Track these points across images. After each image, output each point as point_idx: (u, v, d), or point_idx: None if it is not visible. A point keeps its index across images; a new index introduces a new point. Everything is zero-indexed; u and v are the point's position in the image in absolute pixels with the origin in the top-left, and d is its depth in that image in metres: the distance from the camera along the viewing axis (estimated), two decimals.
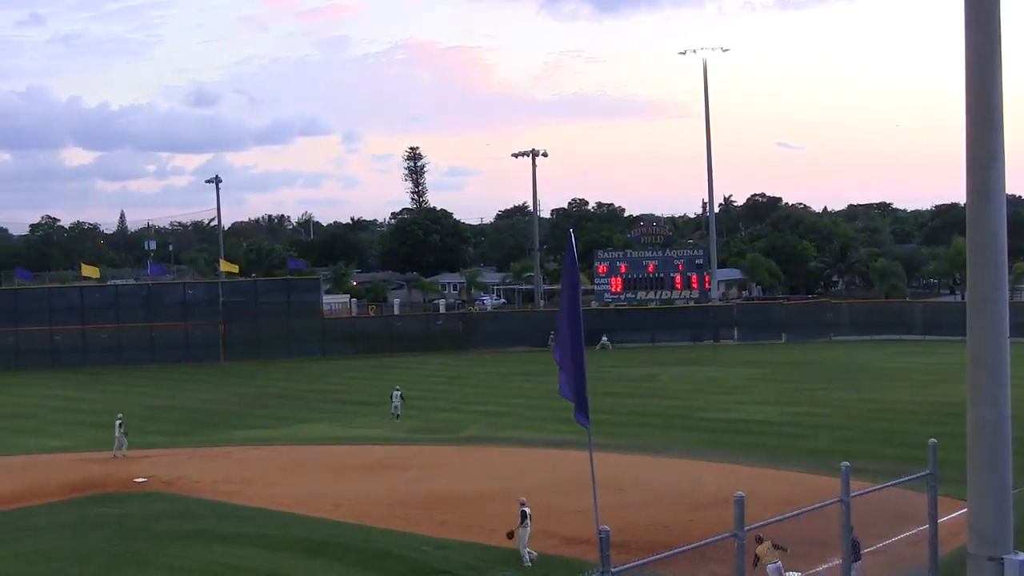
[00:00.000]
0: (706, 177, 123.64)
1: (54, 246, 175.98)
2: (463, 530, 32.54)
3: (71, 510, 40.97)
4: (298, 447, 53.99)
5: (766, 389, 70.11)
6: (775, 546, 26.28)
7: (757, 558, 27.13)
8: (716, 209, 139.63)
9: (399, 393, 62.92)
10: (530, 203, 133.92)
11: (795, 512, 16.09)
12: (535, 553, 30.45)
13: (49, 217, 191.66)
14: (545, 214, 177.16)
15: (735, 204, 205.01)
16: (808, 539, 22.75)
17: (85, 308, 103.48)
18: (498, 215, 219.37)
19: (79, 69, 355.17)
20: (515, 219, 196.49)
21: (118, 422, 52.60)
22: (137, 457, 50.59)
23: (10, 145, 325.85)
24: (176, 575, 31.21)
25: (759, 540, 28.79)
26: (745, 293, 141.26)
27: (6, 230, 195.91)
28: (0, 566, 32.51)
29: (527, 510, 30.81)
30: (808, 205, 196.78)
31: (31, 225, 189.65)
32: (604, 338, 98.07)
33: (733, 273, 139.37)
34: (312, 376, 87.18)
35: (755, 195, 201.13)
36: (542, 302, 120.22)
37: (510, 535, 30.71)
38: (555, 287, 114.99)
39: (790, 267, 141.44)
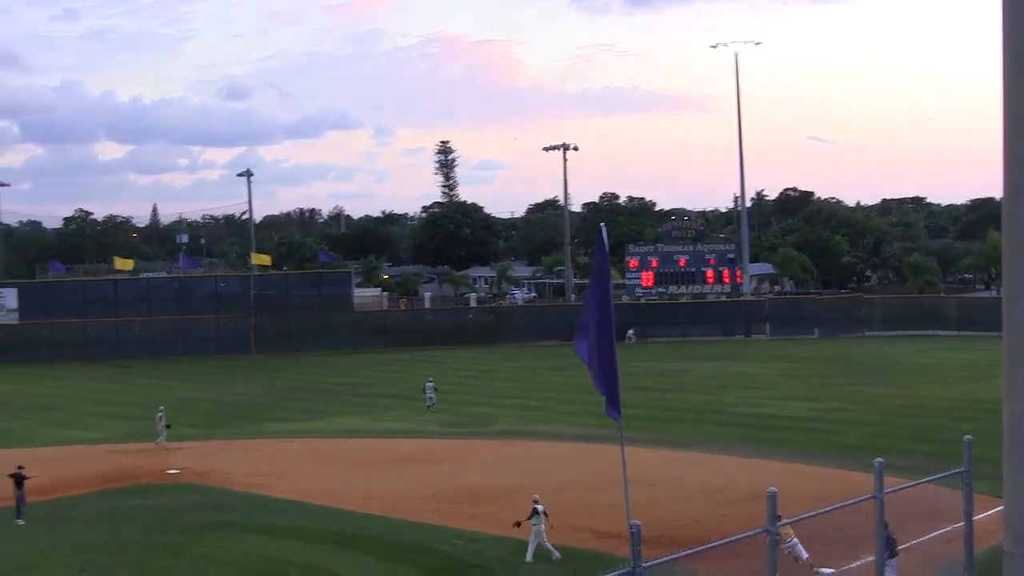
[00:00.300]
0: (738, 171, 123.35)
1: (87, 239, 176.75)
2: (494, 524, 32.56)
3: (103, 501, 41.20)
4: (329, 440, 54.14)
5: (798, 384, 69.85)
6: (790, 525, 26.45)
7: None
8: (748, 203, 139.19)
9: (432, 385, 63.10)
10: (561, 197, 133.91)
11: (828, 508, 16.01)
12: (557, 554, 30.37)
13: (82, 210, 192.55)
14: (576, 208, 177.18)
15: (767, 199, 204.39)
16: (842, 536, 22.65)
17: (118, 301, 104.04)
18: (529, 209, 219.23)
19: (112, 64, 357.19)
20: (546, 213, 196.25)
21: (159, 415, 52.87)
22: (170, 449, 50.87)
23: (44, 139, 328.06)
24: (209, 566, 31.34)
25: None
26: (777, 288, 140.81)
27: (40, 223, 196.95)
28: (33, 557, 32.75)
29: (539, 507, 30.79)
30: (841, 200, 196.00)
31: (65, 218, 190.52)
32: (631, 331, 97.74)
33: (765, 268, 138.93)
34: (343, 369, 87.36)
35: (787, 189, 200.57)
36: (573, 296, 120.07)
37: (517, 524, 30.76)
38: (586, 281, 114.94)
39: (823, 262, 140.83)
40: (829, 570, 26.42)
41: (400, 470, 45.55)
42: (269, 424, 59.66)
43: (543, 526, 30.58)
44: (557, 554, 30.31)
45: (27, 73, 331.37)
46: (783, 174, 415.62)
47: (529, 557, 30.24)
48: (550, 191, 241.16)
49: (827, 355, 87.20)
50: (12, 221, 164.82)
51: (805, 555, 27.19)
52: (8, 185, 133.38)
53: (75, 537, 35.48)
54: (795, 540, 27.30)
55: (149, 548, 33.50)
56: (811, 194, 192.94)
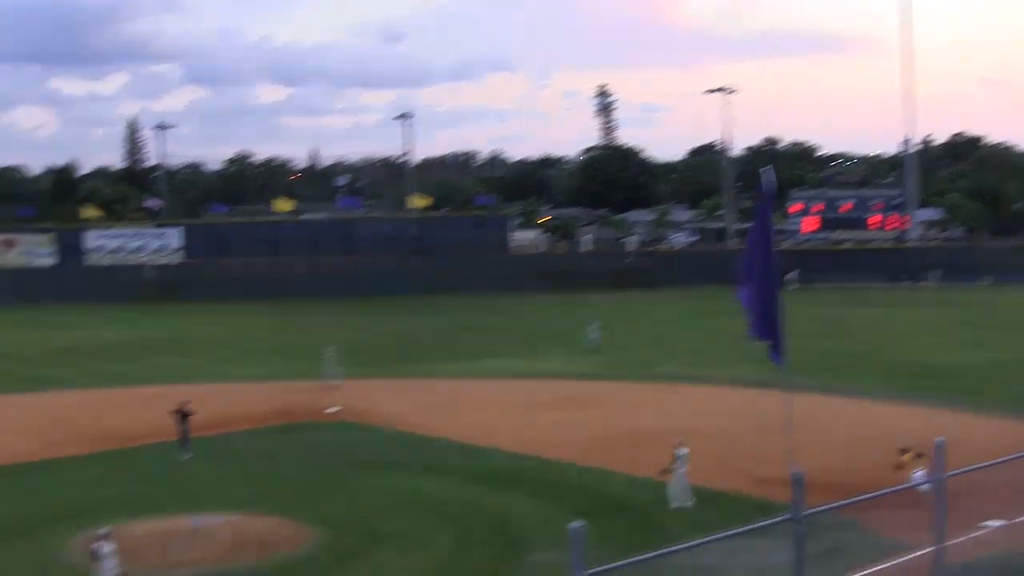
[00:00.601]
0: (904, 115, 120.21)
1: (248, 181, 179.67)
2: (653, 467, 32.19)
3: (265, 438, 42.01)
4: (488, 380, 54.35)
5: (966, 333, 68.03)
6: (919, 455, 26.78)
7: (900, 466, 27.08)
8: (915, 148, 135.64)
9: (596, 326, 63.15)
10: (722, 140, 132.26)
11: (1000, 460, 15.41)
12: (688, 503, 29.98)
13: (243, 152, 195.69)
14: (737, 152, 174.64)
15: (935, 143, 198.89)
16: (1014, 487, 21.90)
17: (279, 241, 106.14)
18: (690, 152, 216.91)
19: (271, 7, 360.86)
20: (706, 156, 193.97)
21: (327, 355, 53.48)
22: (330, 388, 51.51)
23: (206, 82, 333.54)
24: (367, 503, 31.63)
25: (904, 451, 28.56)
26: (946, 234, 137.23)
27: (202, 165, 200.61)
28: (197, 491, 33.46)
29: (679, 451, 30.41)
30: (1014, 144, 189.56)
31: (226, 160, 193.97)
32: (792, 276, 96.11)
33: (932, 214, 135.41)
34: (502, 311, 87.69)
35: (956, 134, 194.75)
36: (734, 240, 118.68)
37: (663, 472, 30.43)
38: (748, 225, 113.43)
39: (994, 208, 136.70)
40: (998, 522, 25.64)
41: (560, 411, 45.50)
42: (428, 364, 60.09)
43: (684, 470, 30.27)
44: (679, 504, 29.95)
45: (189, 17, 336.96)
46: (952, 118, 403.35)
47: (688, 500, 29.94)
48: (711, 134, 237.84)
49: (998, 303, 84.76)
50: (175, 163, 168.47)
51: (918, 473, 26.78)
52: (172, 127, 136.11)
53: (238, 472, 36.22)
54: (924, 471, 26.97)
55: (310, 484, 34.01)
56: (980, 139, 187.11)
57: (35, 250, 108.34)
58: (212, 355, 66.10)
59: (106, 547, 23.10)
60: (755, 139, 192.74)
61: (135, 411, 46.96)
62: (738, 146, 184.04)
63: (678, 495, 30.07)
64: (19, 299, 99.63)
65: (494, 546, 27.49)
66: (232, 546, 27.73)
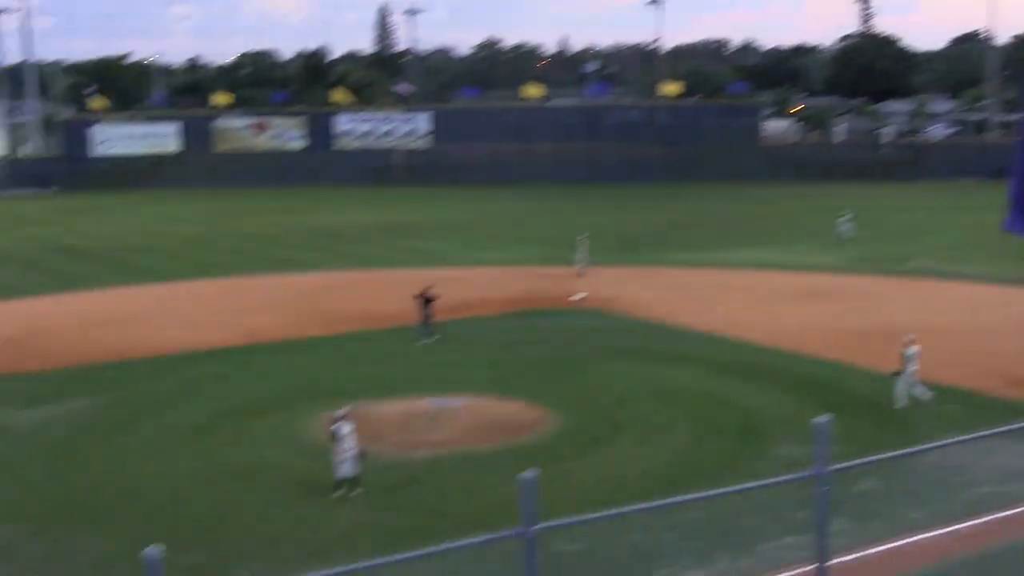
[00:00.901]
0: None
1: (497, 66, 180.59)
2: (899, 364, 31.35)
3: (511, 322, 42.49)
4: (735, 271, 53.74)
5: None
6: None
7: None
8: None
9: (848, 218, 61.82)
10: (987, 29, 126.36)
11: None
12: (926, 396, 29.06)
13: (492, 38, 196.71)
14: (1003, 41, 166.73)
15: None
16: None
17: (527, 127, 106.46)
18: (952, 41, 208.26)
19: None
20: (969, 45, 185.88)
21: (579, 241, 53.59)
22: (575, 274, 51.65)
23: None
24: (610, 390, 31.67)
25: None
26: None
27: (452, 50, 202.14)
28: (442, 373, 34.06)
29: (909, 351, 29.33)
30: None
31: (475, 46, 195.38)
32: None
33: None
34: (752, 201, 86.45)
35: None
36: (996, 132, 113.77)
37: (896, 374, 29.48)
38: (1011, 117, 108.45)
39: None
40: None
41: (808, 305, 44.71)
42: (674, 253, 59.75)
43: (914, 368, 29.30)
44: (905, 402, 29.03)
45: None
46: None
47: (905, 401, 29.08)
48: (976, 22, 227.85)
49: None
50: (425, 48, 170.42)
51: None
52: (422, 12, 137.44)
53: (480, 356, 36.70)
54: None
55: (552, 370, 34.21)
56: None
57: (286, 133, 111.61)
58: (457, 239, 67.06)
59: (345, 427, 23.58)
60: (1023, 27, 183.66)
61: (380, 294, 48.10)
62: (1004, 35, 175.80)
63: (906, 395, 29.24)
64: (270, 182, 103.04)
65: (734, 437, 27.24)
66: (473, 429, 28.17)
